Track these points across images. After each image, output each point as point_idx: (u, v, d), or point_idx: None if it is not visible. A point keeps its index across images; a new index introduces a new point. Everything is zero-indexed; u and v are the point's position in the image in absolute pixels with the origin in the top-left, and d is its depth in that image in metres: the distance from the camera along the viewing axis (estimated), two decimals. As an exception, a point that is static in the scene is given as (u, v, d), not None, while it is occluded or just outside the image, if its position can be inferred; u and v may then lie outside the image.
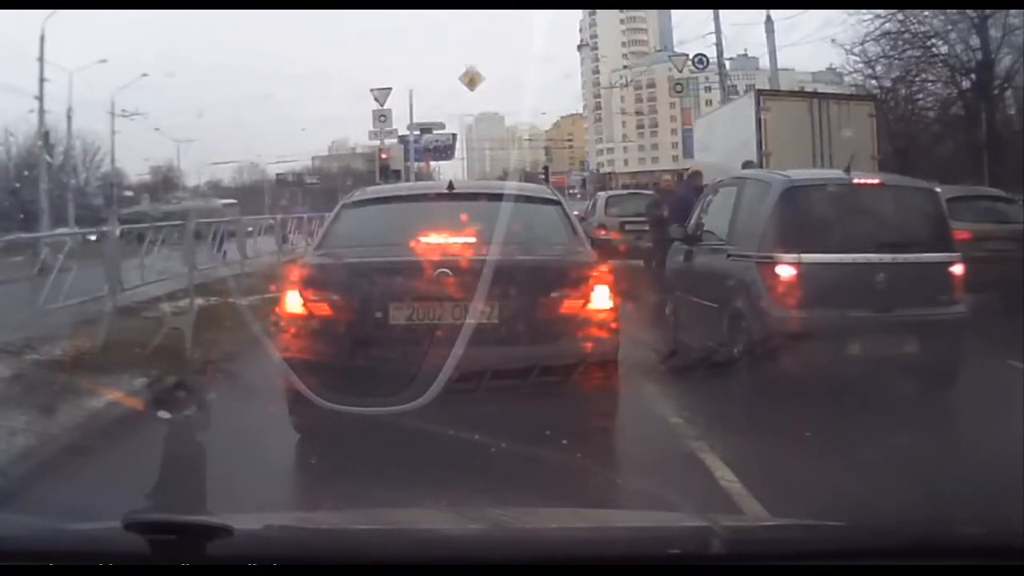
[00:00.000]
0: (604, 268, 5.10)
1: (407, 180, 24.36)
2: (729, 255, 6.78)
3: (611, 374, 4.95)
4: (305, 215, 23.22)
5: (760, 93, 16.11)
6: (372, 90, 26.12)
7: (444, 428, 3.88)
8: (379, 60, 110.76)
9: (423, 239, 4.93)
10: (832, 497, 3.96)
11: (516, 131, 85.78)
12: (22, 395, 5.96)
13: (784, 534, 2.06)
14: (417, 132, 31.28)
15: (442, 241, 4.92)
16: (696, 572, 1.78)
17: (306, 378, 4.35)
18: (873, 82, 21.46)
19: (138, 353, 6.99)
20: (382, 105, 26.08)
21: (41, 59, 28.75)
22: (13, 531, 1.89)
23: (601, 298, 4.89)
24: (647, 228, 13.22)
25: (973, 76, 19.69)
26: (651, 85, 76.78)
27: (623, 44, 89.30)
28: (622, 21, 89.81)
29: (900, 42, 20.53)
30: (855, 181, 6.62)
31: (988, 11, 18.63)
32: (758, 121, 14.43)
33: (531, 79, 48.44)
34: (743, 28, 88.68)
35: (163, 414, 2.56)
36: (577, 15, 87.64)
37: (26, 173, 34.43)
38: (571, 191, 55.95)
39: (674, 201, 11.31)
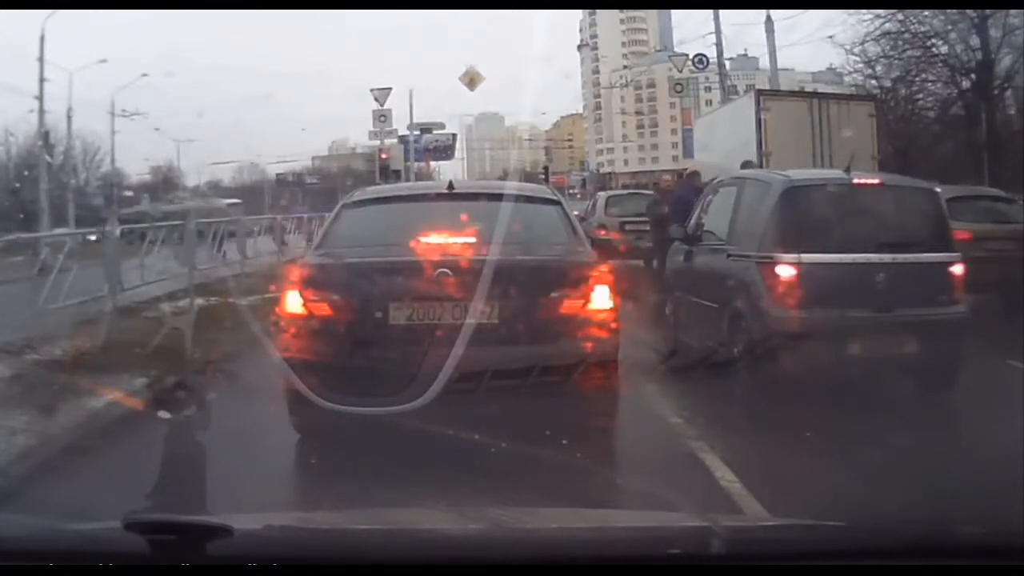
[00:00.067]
0: (604, 268, 5.10)
1: (407, 180, 24.36)
2: (729, 255, 6.78)
3: (611, 374, 4.95)
4: (305, 215, 23.20)
5: (760, 93, 16.11)
6: (372, 90, 26.15)
7: (444, 428, 3.88)
8: (379, 60, 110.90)
9: (423, 239, 4.93)
10: (832, 497, 3.96)
11: (516, 131, 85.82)
12: (22, 395, 5.96)
13: (784, 534, 2.06)
14: (417, 132, 31.28)
15: (442, 241, 4.92)
16: (696, 572, 1.78)
17: (306, 378, 4.35)
18: (873, 82, 21.49)
19: (138, 353, 6.99)
20: (382, 105, 26.09)
21: (41, 59, 28.78)
22: (13, 531, 1.89)
23: (601, 298, 4.89)
24: (647, 228, 13.22)
25: (973, 76, 19.69)
26: (651, 85, 76.77)
27: (623, 44, 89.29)
28: (622, 21, 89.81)
29: (900, 42, 20.54)
30: (855, 181, 6.62)
31: (988, 11, 18.63)
32: (758, 121, 14.44)
33: (531, 79, 48.51)
34: (743, 28, 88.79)
35: (163, 414, 2.56)
36: (577, 15, 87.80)
37: (26, 173, 34.43)
38: (571, 191, 55.94)
39: (674, 201, 11.31)
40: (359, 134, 62.98)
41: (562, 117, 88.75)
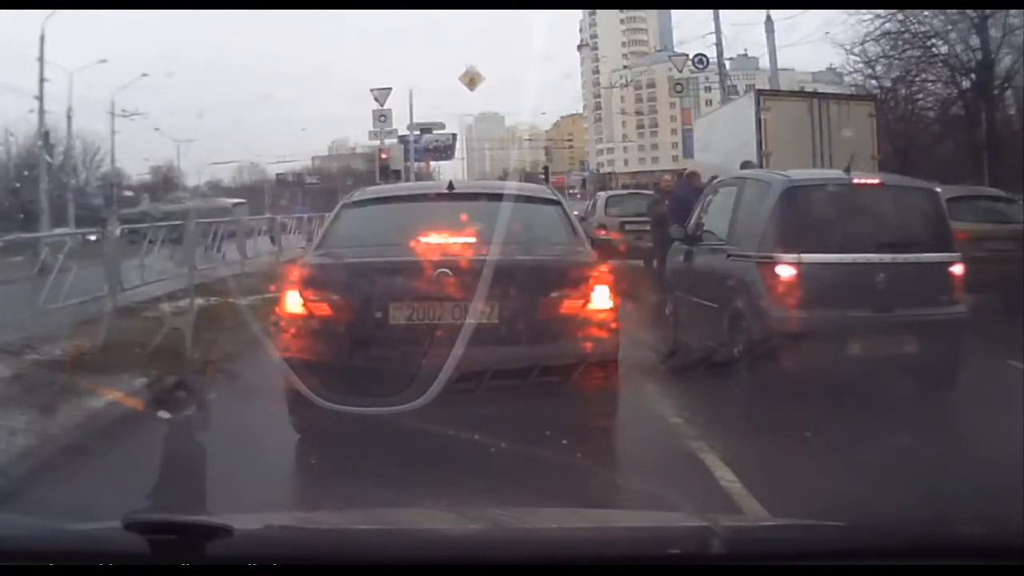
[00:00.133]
0: (604, 268, 5.10)
1: (407, 180, 24.37)
2: (729, 255, 6.78)
3: (611, 374, 4.95)
4: (305, 215, 23.19)
5: (760, 93, 16.11)
6: (372, 90, 26.18)
7: (444, 428, 3.88)
8: (379, 60, 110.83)
9: (423, 239, 4.93)
10: (832, 497, 3.96)
11: (516, 131, 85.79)
12: (22, 395, 5.96)
13: (784, 534, 2.06)
14: (417, 132, 31.29)
15: (442, 241, 4.92)
16: (696, 572, 1.78)
17: (306, 378, 4.35)
18: (873, 82, 21.49)
19: (138, 353, 6.99)
20: (382, 105, 26.09)
21: (41, 59, 28.77)
22: (13, 531, 1.89)
23: (601, 298, 4.89)
24: (647, 228, 13.22)
25: (973, 76, 19.70)
26: (651, 85, 76.75)
27: (623, 44, 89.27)
28: (622, 21, 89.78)
29: (900, 42, 20.55)
30: (855, 181, 6.62)
31: (988, 11, 18.63)
32: (758, 121, 14.44)
33: (531, 79, 48.50)
34: (743, 28, 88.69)
35: (163, 414, 2.56)
36: (577, 15, 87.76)
37: (26, 173, 34.43)
38: (571, 191, 55.96)
39: (673, 201, 11.31)
40: (359, 134, 62.99)
41: (562, 117, 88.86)
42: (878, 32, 20.37)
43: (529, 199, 5.79)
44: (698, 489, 4.43)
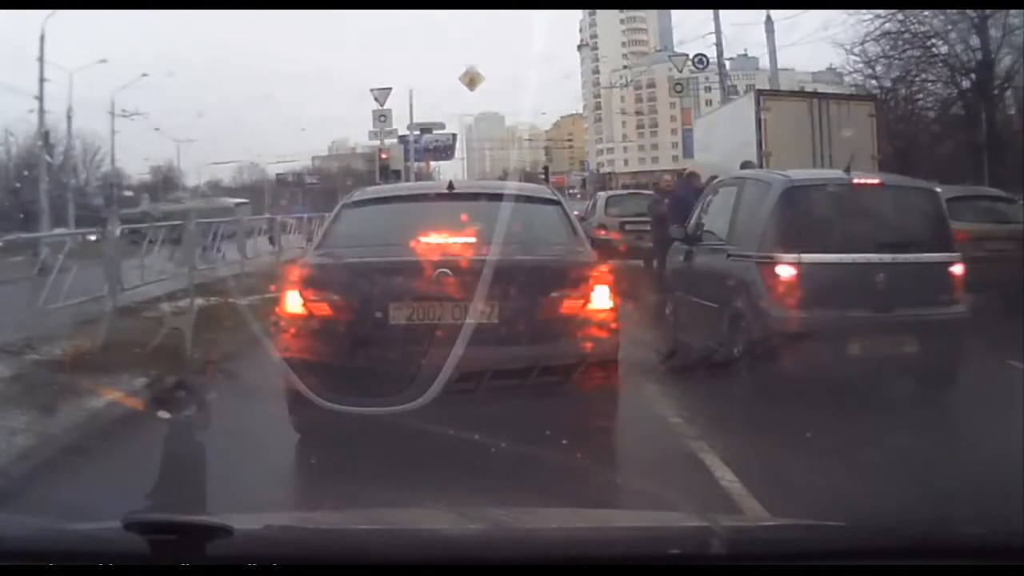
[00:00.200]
0: (604, 268, 5.10)
1: (407, 180, 24.37)
2: (729, 255, 6.78)
3: (611, 374, 4.95)
4: (305, 215, 23.18)
5: (760, 93, 16.11)
6: (372, 90, 26.17)
7: (444, 428, 3.88)
8: (379, 60, 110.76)
9: (423, 239, 4.93)
10: (832, 497, 3.97)
11: (516, 131, 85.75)
12: (22, 395, 5.96)
13: (784, 534, 2.06)
14: (417, 132, 31.28)
15: (442, 241, 4.92)
16: (696, 572, 1.77)
17: (306, 378, 4.35)
18: (873, 82, 21.48)
19: (138, 353, 6.99)
20: (382, 105, 26.09)
21: (41, 59, 28.71)
22: (13, 531, 1.89)
23: (601, 298, 4.89)
24: (647, 228, 13.23)
25: (973, 76, 19.69)
26: (651, 85, 76.74)
27: (623, 44, 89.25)
28: (622, 21, 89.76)
29: (900, 42, 20.54)
30: (855, 181, 6.62)
31: (988, 11, 18.63)
32: (758, 121, 14.43)
33: (531, 79, 48.64)
34: (743, 28, 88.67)
35: (163, 414, 2.56)
36: (577, 15, 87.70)
37: (26, 173, 34.42)
38: (571, 191, 55.95)
39: (673, 201, 11.31)
40: (359, 134, 62.93)
41: (562, 117, 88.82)
42: (878, 32, 20.39)
43: (529, 199, 5.79)
44: (698, 489, 4.43)
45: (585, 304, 4.88)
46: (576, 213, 6.92)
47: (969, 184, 14.76)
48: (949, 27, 19.85)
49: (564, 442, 4.63)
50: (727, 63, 27.82)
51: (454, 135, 39.35)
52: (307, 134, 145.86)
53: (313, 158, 67.02)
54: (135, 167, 59.87)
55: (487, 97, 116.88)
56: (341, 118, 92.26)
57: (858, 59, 21.48)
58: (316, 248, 5.63)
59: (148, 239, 13.00)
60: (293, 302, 4.90)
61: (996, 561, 1.78)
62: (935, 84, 21.36)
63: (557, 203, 5.85)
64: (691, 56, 28.96)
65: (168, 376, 3.89)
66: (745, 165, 11.81)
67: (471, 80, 28.08)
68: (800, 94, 18.55)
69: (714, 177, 10.23)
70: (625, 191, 21.36)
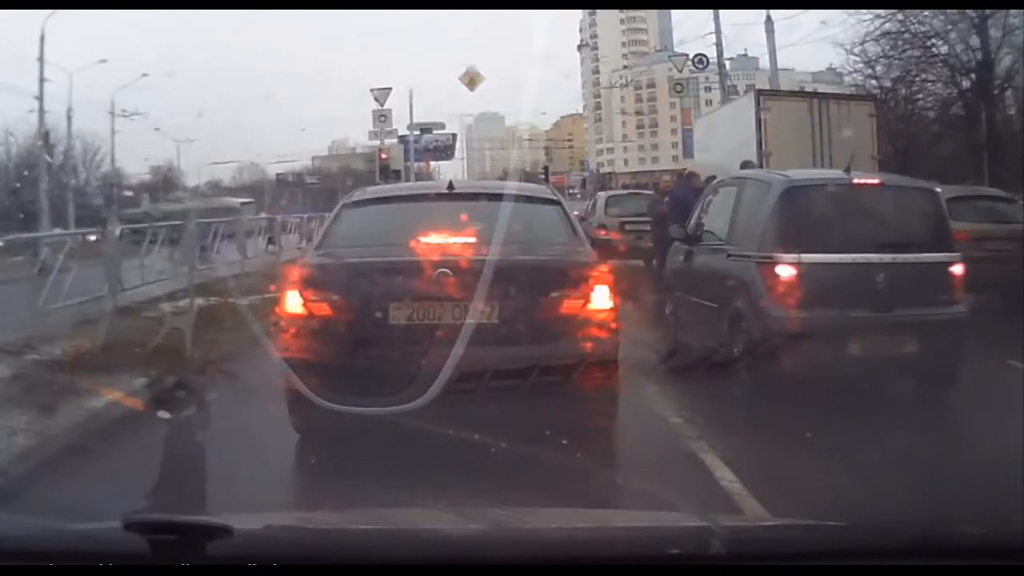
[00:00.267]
0: (604, 268, 5.10)
1: (407, 180, 24.37)
2: (729, 255, 6.78)
3: (611, 374, 4.95)
4: (304, 216, 23.18)
5: (760, 93, 16.11)
6: (372, 90, 26.16)
7: (444, 428, 3.88)
8: (379, 60, 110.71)
9: (423, 239, 4.93)
10: (832, 497, 3.97)
11: (516, 131, 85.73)
12: (22, 395, 5.96)
13: (784, 534, 2.06)
14: (417, 132, 31.28)
15: (442, 241, 4.92)
16: (696, 572, 1.77)
17: (306, 378, 4.35)
18: (873, 82, 21.48)
19: (138, 353, 6.99)
20: (382, 105, 26.09)
21: (41, 59, 28.66)
22: (13, 531, 1.89)
23: (601, 298, 4.89)
24: (647, 228, 13.23)
25: (973, 76, 19.69)
26: (651, 85, 76.71)
27: (623, 44, 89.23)
28: (622, 21, 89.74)
29: (900, 42, 20.54)
30: (855, 181, 6.62)
31: (988, 11, 18.63)
32: (758, 121, 14.43)
33: (531, 79, 48.66)
34: (743, 28, 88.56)
35: (163, 414, 2.56)
36: (577, 15, 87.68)
37: (26, 173, 34.40)
38: (571, 191, 55.98)
39: (673, 201, 11.32)
40: (359, 134, 62.92)
41: (562, 117, 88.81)
42: (878, 32, 20.39)
43: (529, 199, 5.79)
44: (698, 489, 4.43)
45: (585, 304, 4.88)
46: (576, 213, 6.92)
47: (969, 184, 14.76)
48: (949, 27, 19.86)
49: (564, 442, 4.63)
50: (727, 63, 27.83)
51: (454, 135, 39.40)
52: (307, 134, 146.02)
53: (313, 158, 67.12)
54: (135, 167, 59.95)
55: (487, 97, 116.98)
56: (341, 118, 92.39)
57: (858, 59, 21.52)
58: (316, 248, 5.63)
59: (148, 239, 13.00)
60: (293, 302, 4.90)
61: (996, 561, 1.78)
62: (935, 84, 21.37)
63: (557, 203, 5.85)
64: (691, 56, 28.97)
65: (168, 376, 3.89)
66: (745, 165, 11.81)
67: (471, 80, 28.09)
68: (800, 94, 18.54)
69: (712, 177, 10.23)
70: (625, 191, 21.36)
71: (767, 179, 6.98)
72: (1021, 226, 10.04)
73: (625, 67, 76.82)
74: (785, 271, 6.03)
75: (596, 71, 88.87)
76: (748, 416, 5.81)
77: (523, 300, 4.80)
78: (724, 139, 16.32)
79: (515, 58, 60.86)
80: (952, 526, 1.95)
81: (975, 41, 19.42)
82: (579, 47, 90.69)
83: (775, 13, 23.89)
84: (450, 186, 5.91)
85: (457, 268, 4.71)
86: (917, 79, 21.31)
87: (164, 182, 52.05)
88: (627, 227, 15.26)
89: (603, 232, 15.12)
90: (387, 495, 2.82)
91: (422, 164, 32.03)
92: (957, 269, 6.26)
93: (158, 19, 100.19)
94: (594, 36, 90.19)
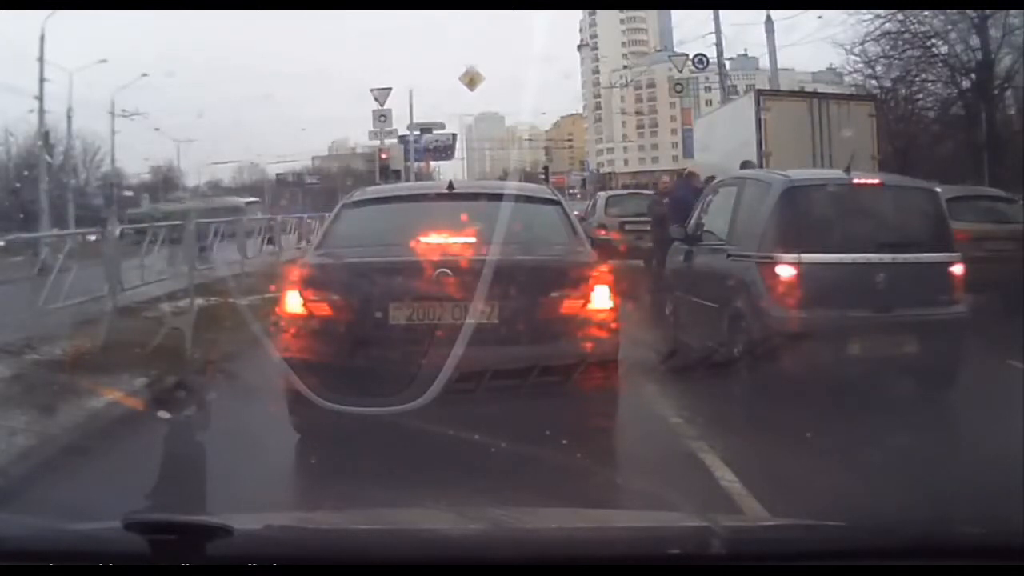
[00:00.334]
0: (604, 268, 5.10)
1: (407, 180, 24.37)
2: (729, 255, 6.78)
3: (611, 374, 4.95)
4: (303, 216, 23.18)
5: (760, 93, 16.10)
6: (372, 90, 26.16)
7: (444, 428, 3.88)
8: (379, 60, 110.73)
9: (423, 239, 4.93)
10: (832, 497, 3.97)
11: (516, 131, 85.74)
12: (22, 395, 5.96)
13: (784, 534, 2.06)
14: (417, 132, 31.29)
15: (442, 241, 4.92)
16: (696, 572, 1.77)
17: (306, 378, 4.35)
18: (873, 82, 21.49)
19: (138, 353, 6.99)
20: (382, 105, 26.09)
21: (41, 59, 28.67)
22: (13, 531, 1.89)
23: (601, 298, 4.89)
24: (647, 228, 13.22)
25: (973, 76, 19.69)
26: (651, 85, 76.72)
27: (623, 44, 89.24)
28: (622, 21, 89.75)
29: (900, 42, 20.55)
30: (855, 181, 6.62)
31: (988, 11, 18.63)
32: (758, 121, 14.43)
33: (531, 79, 48.72)
34: (743, 28, 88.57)
35: (163, 414, 2.56)
36: (577, 15, 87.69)
37: (26, 173, 34.41)
38: (571, 191, 55.97)
39: (673, 201, 11.31)
40: (359, 134, 62.93)
41: (562, 117, 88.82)
42: (878, 32, 20.40)
43: (529, 199, 5.79)
44: (698, 489, 4.43)
45: (585, 304, 4.87)
46: (576, 213, 6.92)
47: (969, 184, 14.76)
48: (949, 27, 19.87)
49: (564, 442, 4.63)
50: (727, 63, 27.83)
51: (454, 135, 39.41)
52: (307, 134, 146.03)
53: (313, 158, 67.15)
54: (135, 167, 59.98)
55: (487, 97, 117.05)
56: (341, 118, 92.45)
57: (858, 59, 21.53)
58: (316, 248, 5.62)
59: (148, 239, 13.01)
60: (293, 302, 4.90)
61: (996, 561, 1.78)
62: (935, 84, 21.38)
63: (557, 203, 5.85)
64: (691, 56, 28.97)
65: (168, 376, 3.89)
66: (745, 165, 11.81)
67: (471, 80, 28.09)
68: (800, 94, 18.54)
69: (712, 177, 10.23)
70: (625, 191, 21.34)
71: (767, 179, 6.97)
72: (1021, 226, 10.04)
73: (625, 67, 76.82)
74: (785, 271, 6.03)
75: (596, 71, 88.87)
76: (748, 416, 5.80)
77: (523, 300, 4.80)
78: (724, 139, 16.31)
79: (515, 58, 60.98)
80: (952, 526, 1.95)
81: (975, 41, 19.43)
82: (579, 47, 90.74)
83: (775, 13, 23.94)
84: (450, 186, 5.91)
85: (457, 268, 4.71)
86: (917, 79, 21.32)
87: (164, 182, 52.06)
88: (627, 227, 15.26)
89: (603, 232, 15.11)
90: (387, 495, 2.82)
91: (422, 164, 32.03)
92: (957, 269, 6.26)
93: (158, 19, 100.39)
94: (594, 36, 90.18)
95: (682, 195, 11.02)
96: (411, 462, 3.90)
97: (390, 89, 26.45)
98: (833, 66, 27.61)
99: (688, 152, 31.85)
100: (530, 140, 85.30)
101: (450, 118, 60.74)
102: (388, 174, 25.86)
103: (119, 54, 64.13)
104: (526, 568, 1.76)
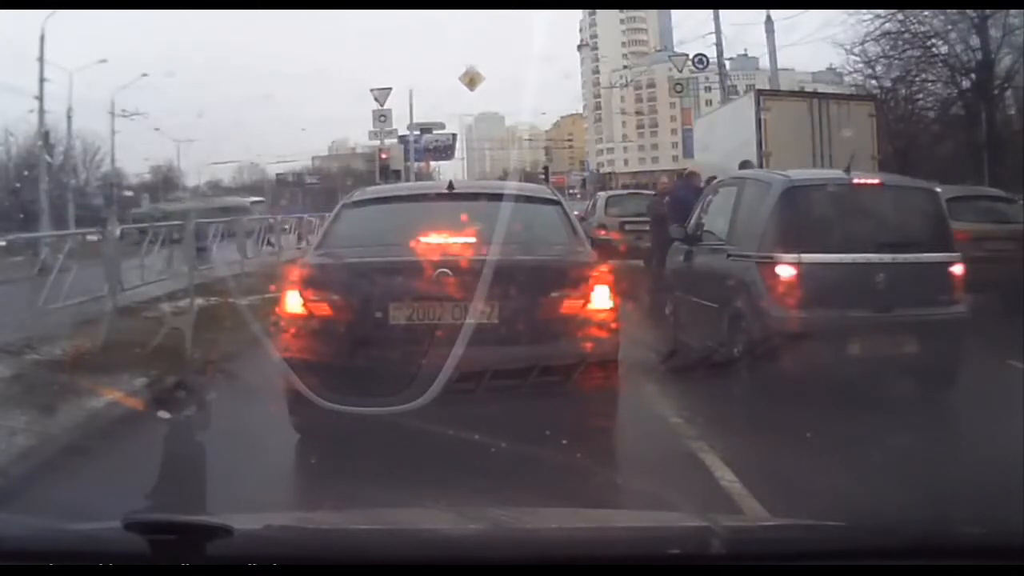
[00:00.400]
0: (604, 268, 5.10)
1: (407, 180, 24.37)
2: (729, 255, 6.78)
3: (611, 374, 4.95)
4: (303, 216, 23.18)
5: (760, 93, 16.09)
6: (372, 90, 26.17)
7: (444, 428, 3.88)
8: (379, 60, 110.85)
9: (423, 239, 4.93)
10: (832, 497, 3.97)
11: (516, 131, 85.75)
12: (22, 395, 5.96)
13: (784, 534, 2.06)
14: (417, 132, 31.30)
15: (442, 241, 4.92)
16: (696, 572, 1.77)
17: (306, 378, 4.35)
18: (873, 82, 21.49)
19: (138, 353, 6.99)
20: (382, 105, 26.09)
21: (41, 59, 28.69)
22: (13, 531, 1.89)
23: (601, 298, 4.89)
24: (647, 228, 13.22)
25: (973, 76, 19.69)
26: (651, 85, 76.72)
27: (623, 44, 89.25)
28: (622, 21, 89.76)
29: (900, 42, 20.55)
30: (855, 181, 6.62)
31: (988, 11, 18.63)
32: (758, 121, 14.42)
33: (531, 79, 48.73)
34: (743, 28, 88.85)
35: (163, 414, 2.56)
36: (577, 15, 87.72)
37: (26, 173, 34.43)
38: (571, 191, 55.96)
39: (673, 201, 11.31)
40: (359, 134, 62.96)
41: (562, 117, 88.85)
42: (878, 32, 20.40)
43: (529, 199, 5.79)
44: (698, 489, 4.43)
45: (585, 304, 4.87)
46: (576, 213, 6.92)
47: (969, 184, 14.76)
48: (949, 27, 19.87)
49: (564, 442, 4.63)
50: (727, 63, 27.83)
51: (454, 135, 39.43)
52: (307, 134, 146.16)
53: (313, 158, 67.18)
54: (135, 167, 60.01)
55: (487, 97, 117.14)
56: (341, 118, 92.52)
57: (858, 59, 21.53)
58: (316, 248, 5.62)
59: (148, 239, 13.01)
60: (293, 302, 4.90)
61: (996, 561, 1.78)
62: (935, 84, 21.38)
63: (557, 203, 5.85)
64: (691, 56, 28.97)
65: (168, 376, 3.89)
66: (744, 165, 11.81)
67: (471, 80, 28.09)
68: (800, 94, 18.53)
69: (713, 178, 10.23)
70: (625, 191, 21.33)
71: (767, 179, 6.97)
72: (1021, 226, 10.04)
73: (625, 67, 76.80)
74: (785, 271, 6.03)
75: (596, 71, 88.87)
76: (748, 416, 5.80)
77: (523, 300, 4.79)
78: (724, 139, 16.31)
79: (515, 58, 61.01)
80: (952, 526, 1.95)
81: (975, 41, 19.43)
82: (579, 47, 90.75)
83: (775, 13, 23.94)
84: (450, 186, 5.91)
85: (457, 268, 4.71)
86: (917, 79, 21.32)
87: (164, 182, 52.14)
88: (627, 227, 15.25)
89: (603, 232, 15.11)
90: (387, 495, 2.82)
91: (422, 164, 32.04)
92: (957, 269, 6.26)
93: (158, 19, 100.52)
94: (594, 36, 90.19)
95: (682, 195, 11.01)
96: (411, 462, 3.90)
97: (390, 89, 26.49)
98: (833, 66, 27.67)
99: (688, 152, 31.83)
100: (530, 140, 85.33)
101: (450, 118, 60.85)
102: (388, 174, 25.87)
103: (119, 54, 64.31)
104: (526, 568, 1.76)
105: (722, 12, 25.93)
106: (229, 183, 59.89)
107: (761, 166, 12.85)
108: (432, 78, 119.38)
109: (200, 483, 2.40)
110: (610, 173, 78.68)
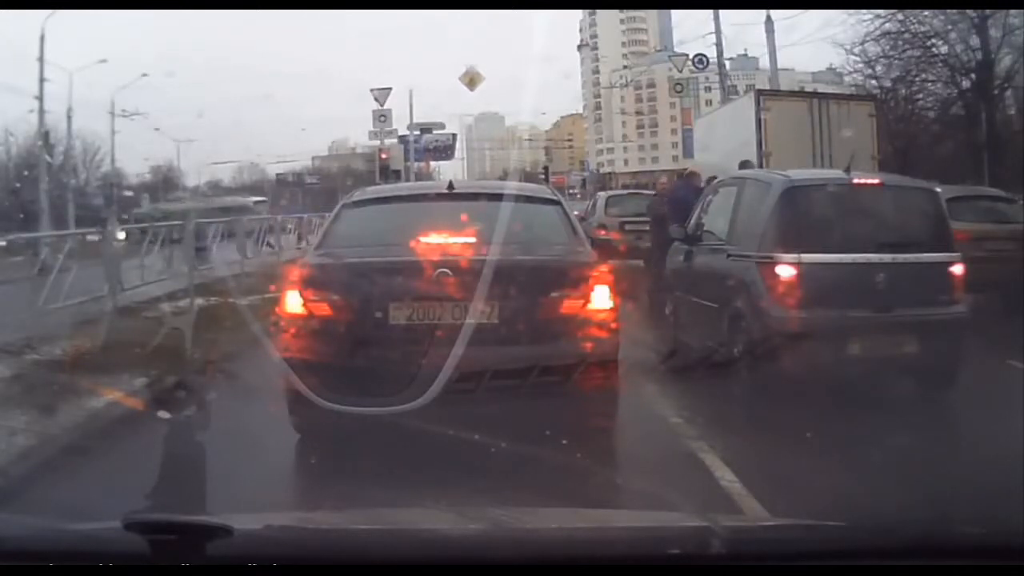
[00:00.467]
0: (604, 268, 5.10)
1: (407, 180, 24.37)
2: (729, 255, 6.78)
3: (611, 374, 4.95)
4: (303, 216, 23.19)
5: (760, 93, 16.09)
6: (372, 90, 26.16)
7: (444, 428, 3.88)
8: (379, 60, 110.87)
9: (423, 239, 4.93)
10: (832, 497, 3.97)
11: (516, 131, 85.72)
12: (22, 395, 5.96)
13: (784, 534, 2.06)
14: (417, 132, 31.30)
15: (442, 241, 4.92)
16: (696, 572, 1.77)
17: (306, 378, 4.35)
18: (873, 82, 21.49)
19: (138, 353, 6.99)
20: (382, 105, 26.09)
21: (41, 59, 28.67)
22: (13, 531, 1.89)
23: (601, 298, 4.89)
24: (647, 228, 13.22)
25: (973, 76, 19.69)
26: (651, 85, 76.70)
27: (623, 44, 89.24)
28: (622, 21, 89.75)
29: (900, 42, 20.55)
30: (855, 181, 6.62)
31: (988, 11, 18.63)
32: (758, 121, 14.42)
33: (531, 79, 48.74)
34: (743, 28, 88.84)
35: (163, 414, 2.56)
36: (577, 15, 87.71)
37: (26, 173, 34.44)
38: (571, 191, 55.95)
39: (673, 201, 11.31)
40: (359, 134, 62.94)
41: (562, 117, 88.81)
42: (878, 32, 20.40)
43: (529, 199, 5.79)
44: (698, 489, 4.43)
45: (585, 304, 4.87)
46: (576, 213, 6.92)
47: (969, 184, 14.76)
48: (949, 27, 19.87)
49: (564, 442, 4.63)
50: (727, 63, 27.82)
51: (454, 135, 39.44)
52: (307, 134, 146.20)
53: (313, 158, 67.19)
54: (135, 167, 60.03)
55: (487, 97, 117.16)
56: (341, 118, 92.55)
57: (858, 59, 21.52)
58: (316, 248, 5.63)
59: (148, 239, 13.02)
60: (293, 302, 4.90)
61: (996, 561, 1.78)
62: (935, 84, 21.38)
63: (557, 203, 5.85)
64: (691, 56, 28.97)
65: (168, 376, 3.89)
66: (744, 165, 11.81)
67: (471, 80, 28.09)
68: (800, 94, 18.53)
69: (713, 178, 10.23)
70: (625, 191, 21.33)
71: (767, 179, 6.97)
72: (1021, 226, 10.04)
73: (625, 67, 76.79)
74: (785, 271, 6.03)
75: (596, 71, 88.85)
76: (748, 416, 5.80)
77: (523, 300, 4.79)
78: (724, 139, 16.31)
79: (515, 58, 61.08)
80: (952, 526, 1.96)
81: (975, 41, 19.43)
82: (579, 47, 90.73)
83: (775, 13, 23.93)
84: (450, 186, 5.91)
85: (457, 268, 4.71)
86: (917, 79, 21.32)
87: (164, 182, 52.14)
88: (627, 227, 15.24)
89: (603, 232, 15.10)
90: (387, 495, 2.82)
91: (422, 164, 32.04)
92: (957, 269, 6.26)
93: (158, 19, 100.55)
94: (594, 36, 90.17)
95: (682, 195, 11.00)
96: (411, 462, 3.90)
97: (390, 89, 26.48)
98: (833, 66, 27.67)
99: (688, 152, 31.83)
100: (530, 140, 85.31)
101: (450, 118, 60.83)
102: (388, 174, 25.86)
103: (119, 54, 64.29)
104: (526, 568, 1.76)
105: (722, 12, 25.97)
106: (229, 183, 59.98)
107: (761, 166, 12.85)
108: (432, 78, 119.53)
109: (200, 483, 2.40)
110: (610, 173, 78.66)
